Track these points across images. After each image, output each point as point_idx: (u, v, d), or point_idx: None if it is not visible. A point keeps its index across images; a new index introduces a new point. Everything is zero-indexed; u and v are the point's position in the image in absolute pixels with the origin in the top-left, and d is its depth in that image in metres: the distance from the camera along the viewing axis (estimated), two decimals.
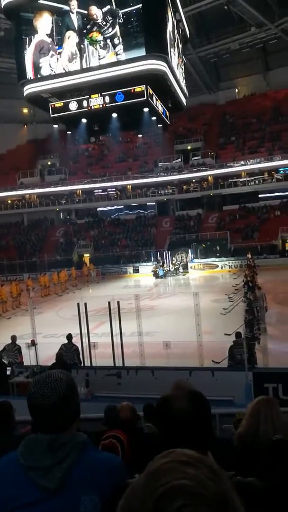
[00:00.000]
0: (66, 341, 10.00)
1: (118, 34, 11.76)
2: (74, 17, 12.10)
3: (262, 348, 10.42)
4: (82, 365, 9.88)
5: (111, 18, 11.63)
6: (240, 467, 1.39)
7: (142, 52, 11.60)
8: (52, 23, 12.28)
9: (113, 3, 11.51)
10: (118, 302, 10.39)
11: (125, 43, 11.74)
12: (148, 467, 0.67)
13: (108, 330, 10.35)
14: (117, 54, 11.82)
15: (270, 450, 1.13)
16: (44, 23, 12.26)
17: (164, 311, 18.13)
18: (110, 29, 11.71)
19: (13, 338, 10.46)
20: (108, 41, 11.85)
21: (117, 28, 11.72)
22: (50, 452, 1.19)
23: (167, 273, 30.93)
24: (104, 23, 11.70)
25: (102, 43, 11.86)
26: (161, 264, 31.39)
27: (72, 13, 12.10)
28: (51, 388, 1.24)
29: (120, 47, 11.79)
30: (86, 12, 11.97)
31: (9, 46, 30.73)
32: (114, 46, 11.80)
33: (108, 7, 11.62)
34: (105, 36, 11.78)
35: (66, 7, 12.16)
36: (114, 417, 3.92)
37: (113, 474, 1.26)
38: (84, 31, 12.03)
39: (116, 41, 11.81)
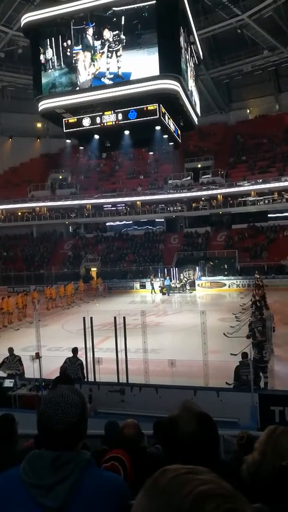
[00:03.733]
0: (70, 355, 9.94)
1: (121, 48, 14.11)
2: (90, 38, 14.26)
3: (268, 369, 10.25)
4: (85, 380, 9.79)
5: (117, 41, 13.92)
6: (245, 493, 1.35)
7: (142, 55, 13.70)
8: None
9: (122, 29, 13.78)
10: (124, 318, 10.33)
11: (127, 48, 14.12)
12: (153, 488, 0.64)
13: (113, 345, 10.27)
14: (117, 56, 14.13)
15: (278, 475, 1.10)
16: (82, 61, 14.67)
17: (170, 328, 17.97)
18: (116, 46, 14.11)
19: (11, 350, 10.54)
20: (114, 53, 14.14)
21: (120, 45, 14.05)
22: (53, 469, 1.17)
23: (174, 289, 30.78)
24: (113, 44, 14.05)
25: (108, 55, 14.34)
26: (167, 278, 31.30)
27: (89, 35, 14.21)
28: (64, 413, 1.23)
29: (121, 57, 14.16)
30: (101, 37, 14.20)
31: (26, 63, 31.52)
32: (118, 56, 14.16)
33: (117, 32, 13.80)
34: (110, 50, 14.25)
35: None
36: (114, 434, 3.86)
37: (116, 495, 1.23)
38: (96, 48, 14.39)
39: (119, 53, 14.21)
